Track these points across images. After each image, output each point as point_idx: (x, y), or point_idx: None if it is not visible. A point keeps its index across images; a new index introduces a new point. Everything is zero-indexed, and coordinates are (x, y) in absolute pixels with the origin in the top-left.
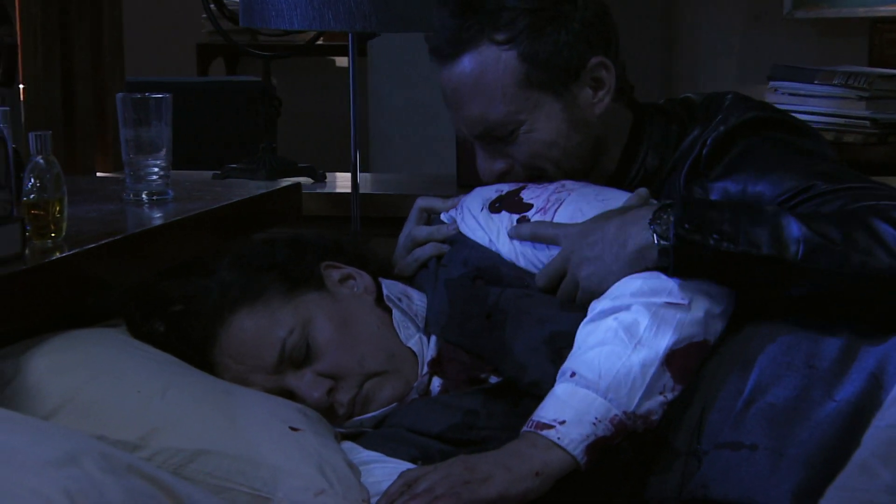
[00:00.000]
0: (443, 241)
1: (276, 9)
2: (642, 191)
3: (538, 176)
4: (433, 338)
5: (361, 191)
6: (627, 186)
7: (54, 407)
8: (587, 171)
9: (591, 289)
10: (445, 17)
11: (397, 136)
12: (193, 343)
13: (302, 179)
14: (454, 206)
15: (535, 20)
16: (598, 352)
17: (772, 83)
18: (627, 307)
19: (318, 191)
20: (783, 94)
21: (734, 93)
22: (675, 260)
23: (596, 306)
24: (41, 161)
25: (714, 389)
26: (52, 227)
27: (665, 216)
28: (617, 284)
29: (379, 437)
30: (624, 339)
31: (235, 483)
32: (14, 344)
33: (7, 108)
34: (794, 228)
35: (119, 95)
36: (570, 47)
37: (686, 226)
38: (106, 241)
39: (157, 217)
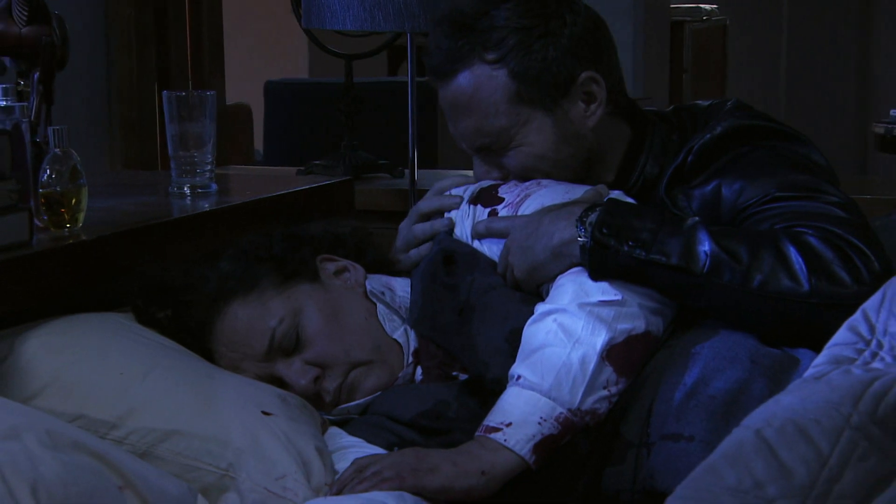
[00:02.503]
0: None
1: (331, 10)
2: (601, 187)
3: None
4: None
5: None
6: (627, 194)
7: (41, 386)
8: (579, 181)
9: (521, 277)
10: (440, 37)
11: None
12: (191, 331)
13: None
14: (452, 206)
15: (523, 38)
16: (541, 354)
17: None
18: (564, 310)
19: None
20: None
21: (735, 100)
22: (590, 260)
23: (538, 308)
24: (58, 153)
25: (661, 382)
26: (67, 216)
27: (592, 216)
28: (554, 288)
29: (362, 424)
30: (563, 338)
31: (203, 463)
32: (16, 326)
33: (25, 104)
34: (705, 243)
35: (165, 93)
36: (559, 63)
37: (604, 230)
38: (118, 230)
39: (187, 209)
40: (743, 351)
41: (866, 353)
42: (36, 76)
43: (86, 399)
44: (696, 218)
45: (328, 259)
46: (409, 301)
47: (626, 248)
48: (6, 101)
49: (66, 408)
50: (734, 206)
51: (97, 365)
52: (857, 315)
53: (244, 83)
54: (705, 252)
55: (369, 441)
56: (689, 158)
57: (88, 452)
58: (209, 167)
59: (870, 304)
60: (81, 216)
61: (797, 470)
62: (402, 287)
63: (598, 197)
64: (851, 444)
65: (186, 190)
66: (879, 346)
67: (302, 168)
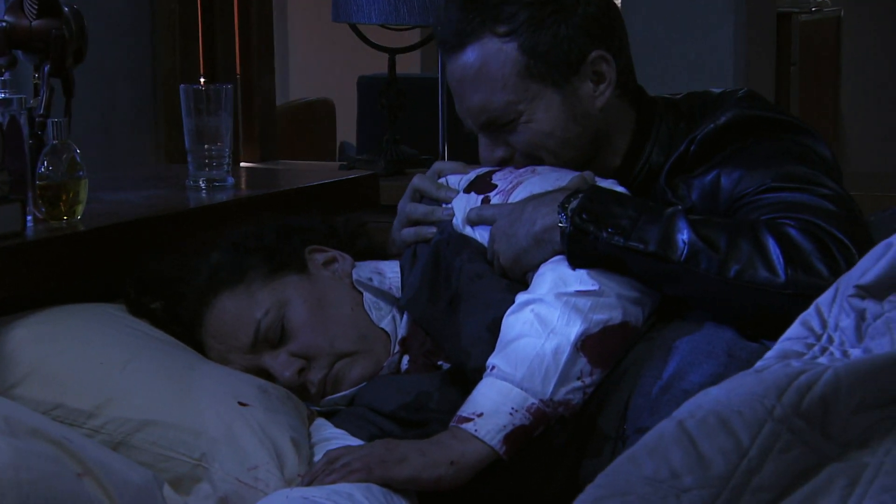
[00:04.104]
0: (434, 223)
1: (357, 4)
2: (586, 174)
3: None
4: (406, 314)
5: None
6: (632, 182)
7: (23, 374)
8: (586, 162)
9: (507, 265)
10: (452, 10)
11: None
12: (182, 323)
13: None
14: (446, 200)
15: (535, 13)
16: (516, 344)
17: None
18: (541, 300)
19: None
20: None
21: (746, 90)
22: (569, 245)
23: (518, 298)
24: (56, 145)
25: (639, 375)
26: (64, 208)
27: (573, 202)
28: (535, 277)
29: (347, 416)
30: (538, 329)
31: (177, 453)
32: (8, 315)
33: (23, 96)
34: (684, 232)
35: (182, 86)
36: (570, 40)
37: (584, 215)
38: (115, 222)
39: (195, 203)
40: (720, 345)
41: (815, 349)
42: (46, 69)
43: (65, 388)
44: (678, 207)
45: (317, 250)
46: (398, 282)
47: (604, 235)
48: (4, 93)
49: (45, 396)
50: (731, 195)
51: (79, 354)
52: (811, 309)
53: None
54: (683, 240)
55: (352, 433)
56: (692, 148)
57: (47, 439)
58: (226, 160)
59: (823, 298)
60: (80, 208)
61: (715, 460)
62: (391, 269)
63: (582, 184)
64: (773, 436)
65: (202, 183)
66: (830, 340)
67: (344, 163)
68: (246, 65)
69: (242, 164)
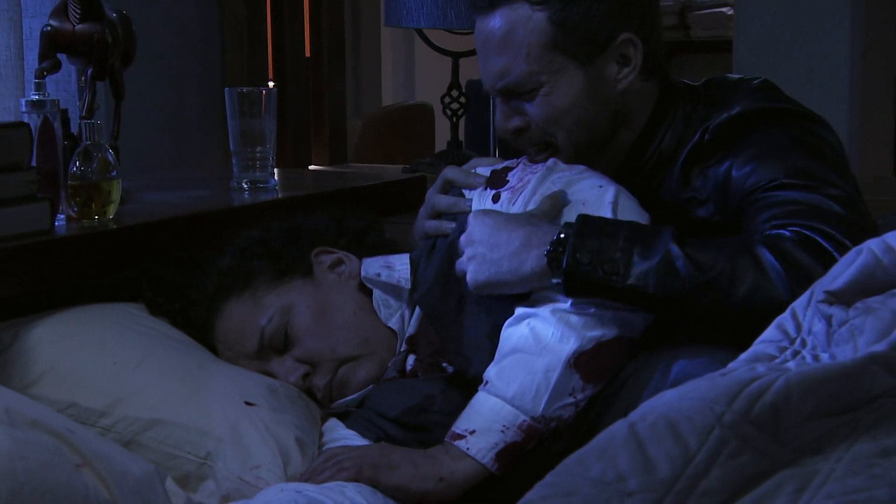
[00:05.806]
0: (455, 214)
1: (407, 8)
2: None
3: (550, 142)
4: (416, 312)
5: None
6: (643, 168)
7: (40, 373)
8: (601, 145)
9: (474, 286)
10: None
11: None
12: (197, 327)
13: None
14: (473, 186)
15: None
16: (511, 359)
17: None
18: (537, 314)
19: None
20: None
21: (762, 80)
22: (566, 287)
23: (517, 310)
24: (88, 146)
25: (639, 387)
26: (96, 207)
27: (563, 239)
28: (534, 294)
29: (356, 418)
30: (532, 345)
31: (183, 451)
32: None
33: (56, 98)
34: (680, 265)
35: (226, 90)
36: (601, 19)
37: (577, 255)
38: (144, 221)
39: (230, 203)
40: (719, 354)
41: (787, 352)
42: (89, 72)
43: (78, 387)
44: (669, 229)
45: (324, 251)
46: (408, 274)
47: (601, 275)
48: (37, 95)
49: (59, 395)
50: (742, 189)
51: (93, 354)
52: (786, 313)
53: None
54: (682, 276)
55: (362, 434)
56: (707, 137)
57: (47, 431)
58: (270, 162)
59: (798, 302)
60: (112, 208)
61: (661, 465)
62: (401, 262)
63: (553, 208)
64: (721, 442)
65: (245, 184)
66: (803, 344)
67: (407, 166)
68: (316, 70)
69: (311, 167)
